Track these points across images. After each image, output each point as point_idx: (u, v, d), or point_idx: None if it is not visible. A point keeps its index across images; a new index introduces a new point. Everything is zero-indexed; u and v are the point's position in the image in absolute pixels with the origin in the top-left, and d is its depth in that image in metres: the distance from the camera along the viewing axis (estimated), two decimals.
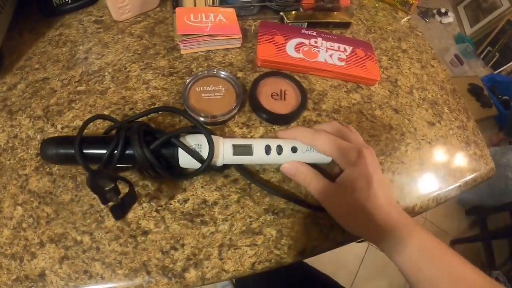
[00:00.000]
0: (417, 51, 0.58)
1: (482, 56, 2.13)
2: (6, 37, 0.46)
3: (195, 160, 0.33)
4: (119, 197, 0.31)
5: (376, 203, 0.31)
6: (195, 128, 0.34)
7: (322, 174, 0.35)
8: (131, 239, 0.35)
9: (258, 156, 0.34)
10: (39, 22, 0.51)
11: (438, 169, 0.45)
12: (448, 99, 0.53)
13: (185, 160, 0.34)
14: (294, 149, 0.34)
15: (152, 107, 0.43)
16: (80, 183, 0.37)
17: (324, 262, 1.01)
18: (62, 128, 0.41)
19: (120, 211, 0.33)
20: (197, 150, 0.33)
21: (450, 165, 0.46)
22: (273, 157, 0.34)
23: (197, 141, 0.34)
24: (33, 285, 0.32)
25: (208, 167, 0.34)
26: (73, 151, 0.33)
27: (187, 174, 0.36)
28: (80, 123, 0.41)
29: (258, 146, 0.34)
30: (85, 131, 0.36)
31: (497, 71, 2.07)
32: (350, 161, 0.33)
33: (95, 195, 0.36)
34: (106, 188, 0.30)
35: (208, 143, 0.33)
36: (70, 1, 0.51)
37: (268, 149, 0.34)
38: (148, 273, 0.33)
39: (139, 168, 0.37)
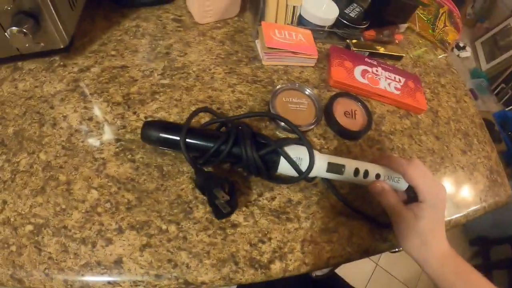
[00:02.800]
0: (453, 87, 0.66)
1: (495, 92, 2.18)
2: (79, 19, 0.46)
3: (293, 170, 0.37)
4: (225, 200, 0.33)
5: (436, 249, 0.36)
6: (299, 141, 0.38)
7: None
8: (220, 231, 0.36)
9: (346, 176, 0.38)
10: (114, 11, 0.52)
11: (468, 191, 0.52)
12: (477, 131, 0.60)
13: (283, 169, 0.37)
14: (377, 176, 0.38)
15: (260, 111, 0.46)
16: (166, 173, 0.38)
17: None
18: (145, 117, 0.41)
19: (220, 213, 0.34)
20: (297, 163, 0.36)
21: (477, 188, 0.52)
22: (359, 179, 0.38)
23: (298, 154, 0.37)
24: (106, 271, 0.32)
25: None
26: (178, 138, 0.35)
27: (282, 180, 0.39)
28: (166, 114, 0.42)
29: (349, 167, 0.38)
30: (177, 121, 0.38)
31: (509, 108, 2.12)
32: (432, 197, 0.36)
33: (183, 186, 0.38)
34: (218, 194, 0.32)
35: (310, 158, 0.36)
36: None
37: (357, 172, 0.38)
38: (236, 263, 0.35)
39: (237, 166, 0.39)
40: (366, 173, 0.38)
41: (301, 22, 0.56)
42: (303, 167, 0.37)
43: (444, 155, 0.54)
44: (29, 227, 0.33)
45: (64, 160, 0.37)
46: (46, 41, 0.41)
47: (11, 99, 0.41)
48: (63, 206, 0.35)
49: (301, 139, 0.37)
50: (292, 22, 0.55)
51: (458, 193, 0.50)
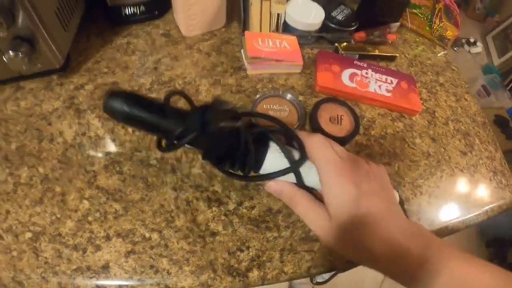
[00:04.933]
0: (453, 85, 0.63)
1: (509, 87, 2.08)
2: (74, 39, 0.48)
3: (279, 164, 0.31)
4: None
5: (387, 240, 0.27)
6: (285, 131, 0.33)
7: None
8: (200, 239, 0.37)
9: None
10: (106, 29, 0.54)
11: (468, 195, 0.49)
12: (479, 131, 0.57)
13: (270, 161, 0.31)
14: None
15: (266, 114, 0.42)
16: (150, 184, 0.40)
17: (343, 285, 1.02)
18: (133, 131, 0.43)
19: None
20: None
21: (479, 192, 0.50)
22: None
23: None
24: (95, 276, 0.34)
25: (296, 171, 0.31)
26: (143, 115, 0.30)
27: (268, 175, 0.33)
28: None
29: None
30: None
31: None
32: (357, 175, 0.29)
33: (166, 197, 0.39)
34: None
35: (300, 150, 0.31)
36: (139, 13, 0.55)
37: None
38: (214, 271, 0.36)
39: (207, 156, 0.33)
40: None
41: (287, 29, 0.55)
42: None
43: (441, 157, 0.51)
44: (29, 234, 0.36)
45: (60, 173, 0.40)
46: (43, 63, 0.44)
47: (14, 117, 0.44)
48: (58, 215, 0.37)
49: (284, 128, 0.33)
50: (277, 30, 0.55)
51: (456, 198, 0.48)
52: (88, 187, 0.39)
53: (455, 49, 2.29)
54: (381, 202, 0.29)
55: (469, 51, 2.27)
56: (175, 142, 0.30)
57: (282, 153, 0.31)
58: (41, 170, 0.40)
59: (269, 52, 0.50)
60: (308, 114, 0.48)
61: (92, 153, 0.42)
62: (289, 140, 0.33)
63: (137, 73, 0.50)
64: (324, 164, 0.29)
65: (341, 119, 0.48)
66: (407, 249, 0.26)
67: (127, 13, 0.54)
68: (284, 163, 0.31)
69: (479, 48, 2.27)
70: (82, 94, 0.47)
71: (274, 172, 0.31)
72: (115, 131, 0.44)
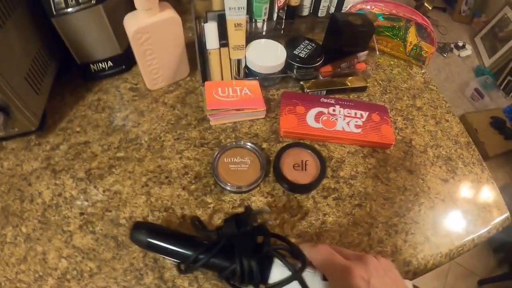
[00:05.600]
0: (432, 107, 0.61)
1: (502, 86, 2.07)
2: (49, 98, 0.50)
3: (283, 274, 0.33)
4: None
5: None
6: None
7: None
8: None
9: None
10: (79, 86, 0.56)
11: (451, 225, 0.47)
12: (462, 153, 0.55)
13: (277, 274, 0.34)
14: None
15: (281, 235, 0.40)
16: (121, 243, 0.41)
17: None
18: (104, 191, 0.45)
19: None
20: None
21: (464, 220, 0.47)
22: None
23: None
24: None
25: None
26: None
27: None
28: (120, 187, 0.45)
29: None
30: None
31: None
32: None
33: (134, 255, 0.40)
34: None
35: (301, 257, 0.34)
36: (107, 68, 0.56)
37: None
38: None
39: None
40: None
41: (250, 73, 0.55)
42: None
43: (419, 190, 0.49)
44: None
45: (40, 233, 0.43)
46: (19, 127, 0.47)
47: None
48: (41, 273, 0.40)
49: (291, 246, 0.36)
50: (239, 75, 0.55)
51: (437, 231, 0.46)
52: (65, 247, 0.41)
53: (444, 55, 2.26)
54: None
55: (458, 55, 2.27)
56: (191, 265, 0.36)
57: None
58: (24, 229, 0.43)
59: (228, 102, 0.50)
60: (272, 163, 0.47)
61: (67, 213, 0.44)
62: (295, 255, 0.35)
63: (106, 131, 0.52)
64: (330, 272, 0.32)
65: (305, 164, 0.46)
66: None
67: (96, 69, 0.56)
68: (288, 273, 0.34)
69: (468, 51, 2.28)
70: (58, 155, 0.49)
71: (279, 282, 0.33)
72: (87, 191, 0.46)
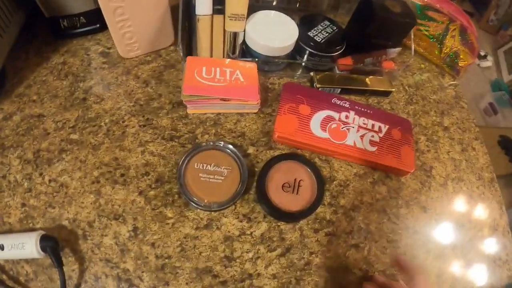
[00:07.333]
0: (460, 129, 0.51)
1: None
2: (12, 56, 0.43)
3: None
4: None
5: None
6: None
7: None
8: None
9: None
10: (48, 45, 0.47)
11: (460, 280, 0.39)
12: (484, 191, 0.46)
13: None
14: (1, 246, 0.32)
15: None
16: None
17: None
18: (49, 181, 0.37)
19: None
20: None
21: (472, 275, 0.40)
22: None
23: None
24: None
25: None
26: None
27: None
28: (68, 179, 0.37)
29: None
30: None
31: None
32: None
33: (74, 267, 0.33)
34: None
35: None
36: (78, 25, 0.46)
37: None
38: None
39: None
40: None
41: (248, 52, 0.43)
42: None
43: (429, 233, 0.41)
44: None
45: None
46: None
47: None
48: None
49: None
50: (234, 53, 0.43)
51: (444, 285, 0.38)
52: None
53: None
54: None
55: (478, 65, 2.17)
56: None
57: None
58: None
59: (212, 88, 0.38)
60: (256, 176, 0.36)
61: (9, 202, 0.36)
62: None
63: (64, 105, 0.42)
64: None
65: (299, 185, 0.36)
66: None
67: (66, 25, 0.46)
68: None
69: (489, 62, 2.19)
70: (9, 126, 0.41)
71: None
72: (32, 178, 0.37)
